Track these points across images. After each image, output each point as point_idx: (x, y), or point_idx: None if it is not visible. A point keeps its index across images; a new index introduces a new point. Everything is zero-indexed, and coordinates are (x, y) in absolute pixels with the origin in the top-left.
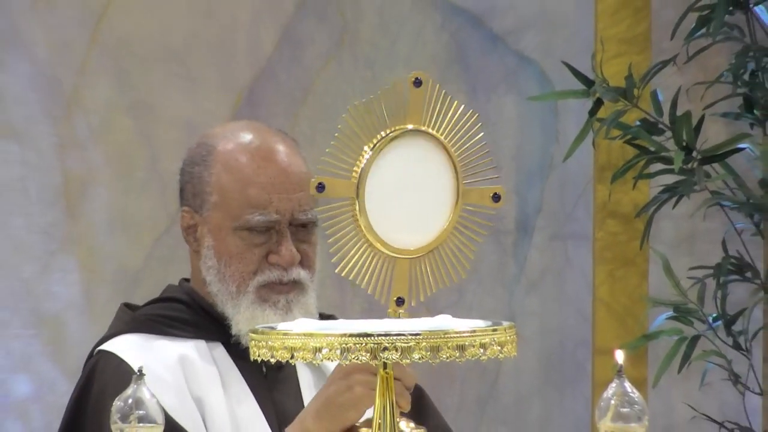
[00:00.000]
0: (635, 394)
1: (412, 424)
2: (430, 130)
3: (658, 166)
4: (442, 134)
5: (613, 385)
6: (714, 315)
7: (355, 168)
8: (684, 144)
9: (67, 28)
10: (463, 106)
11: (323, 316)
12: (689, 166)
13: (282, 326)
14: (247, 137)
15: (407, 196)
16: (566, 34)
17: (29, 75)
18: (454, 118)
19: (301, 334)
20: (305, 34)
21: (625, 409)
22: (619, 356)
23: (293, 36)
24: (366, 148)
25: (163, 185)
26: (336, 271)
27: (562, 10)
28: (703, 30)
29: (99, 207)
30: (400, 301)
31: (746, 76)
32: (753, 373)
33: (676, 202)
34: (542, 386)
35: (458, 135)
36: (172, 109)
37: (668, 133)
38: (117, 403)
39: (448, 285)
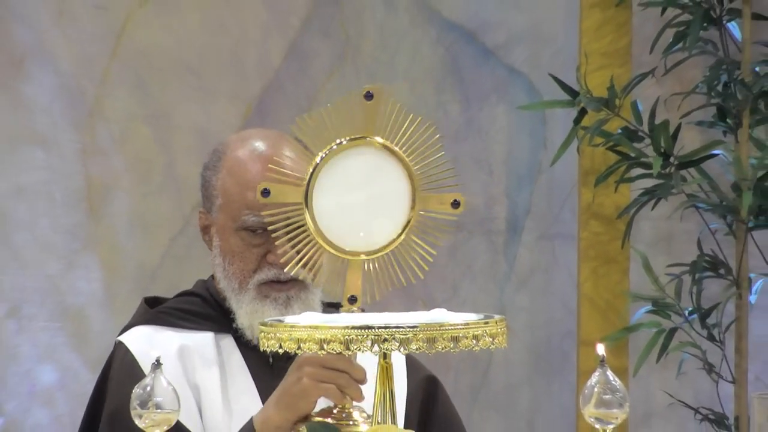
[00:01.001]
0: (617, 383)
1: (364, 414)
2: (380, 140)
3: (638, 171)
4: (396, 144)
5: (597, 374)
6: (690, 309)
7: (305, 175)
8: (662, 150)
9: (90, 42)
10: (420, 118)
11: (329, 305)
12: (667, 171)
13: (289, 319)
14: (254, 144)
15: (361, 201)
16: (553, 48)
17: (54, 86)
18: (410, 130)
19: (307, 327)
20: (311, 49)
21: (607, 396)
22: (601, 348)
23: (299, 50)
24: (318, 157)
25: (178, 189)
26: (285, 270)
27: (549, 26)
28: (680, 45)
29: (119, 209)
30: (352, 299)
31: (719, 88)
32: (726, 363)
33: (655, 205)
34: (531, 375)
35: (415, 145)
36: (187, 118)
37: (647, 141)
38: (136, 390)
39: (405, 285)
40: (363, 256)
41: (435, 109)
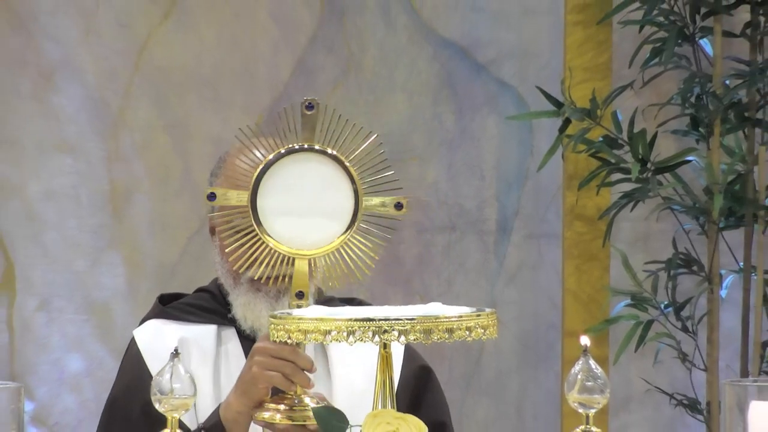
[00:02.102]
0: (598, 370)
1: (315, 399)
2: (318, 147)
3: (618, 176)
4: (338, 152)
5: (580, 362)
6: (665, 303)
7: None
8: (640, 157)
9: (114, 57)
10: (362, 127)
11: (344, 300)
12: (644, 176)
13: (297, 312)
14: (250, 152)
15: (305, 203)
16: (539, 63)
17: (81, 98)
18: (353, 137)
19: (313, 319)
20: (316, 64)
21: (590, 383)
22: (585, 338)
23: (306, 65)
24: (262, 164)
25: (195, 193)
26: (234, 267)
27: (536, 43)
28: (656, 60)
29: (140, 211)
30: (300, 295)
31: (693, 99)
32: (698, 352)
33: (633, 207)
34: (519, 364)
35: (356, 151)
36: (203, 127)
37: (626, 148)
38: (156, 378)
39: (352, 282)
40: (308, 255)
41: (431, 120)
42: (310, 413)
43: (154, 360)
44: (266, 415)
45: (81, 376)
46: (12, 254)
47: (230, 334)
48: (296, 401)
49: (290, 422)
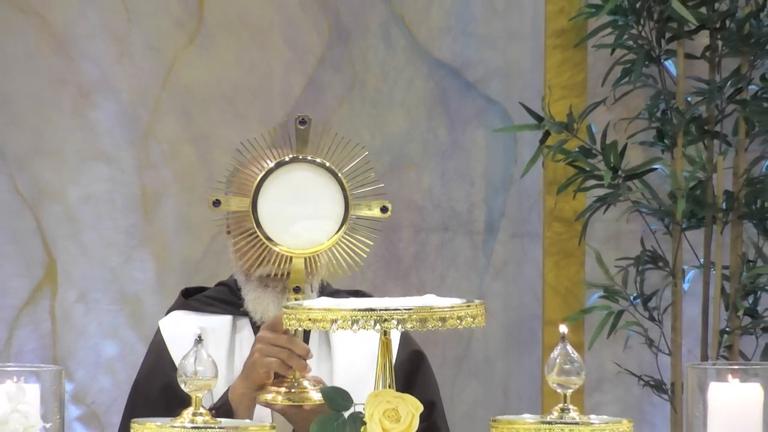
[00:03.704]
0: (575, 355)
1: (313, 382)
2: (310, 157)
3: (592, 182)
4: (328, 161)
5: (559, 348)
6: (634, 295)
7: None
8: (612, 165)
9: (144, 77)
10: (350, 140)
11: (349, 293)
12: (615, 182)
13: (307, 303)
14: (258, 163)
15: (299, 208)
16: (522, 82)
17: (116, 113)
18: (340, 149)
19: (321, 309)
20: (325, 82)
21: (567, 366)
22: (563, 327)
23: (316, 83)
24: (262, 173)
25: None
26: (244, 267)
27: (520, 64)
28: (626, 79)
29: (168, 213)
30: (296, 289)
31: (658, 114)
32: (664, 339)
33: (606, 209)
34: (505, 349)
35: (344, 161)
36: (224, 139)
37: (600, 157)
38: (182, 362)
39: (341, 277)
40: (303, 254)
41: (426, 132)
42: (309, 395)
43: (176, 347)
44: (268, 396)
45: (115, 360)
46: (54, 252)
47: (244, 323)
48: (295, 384)
49: (290, 403)
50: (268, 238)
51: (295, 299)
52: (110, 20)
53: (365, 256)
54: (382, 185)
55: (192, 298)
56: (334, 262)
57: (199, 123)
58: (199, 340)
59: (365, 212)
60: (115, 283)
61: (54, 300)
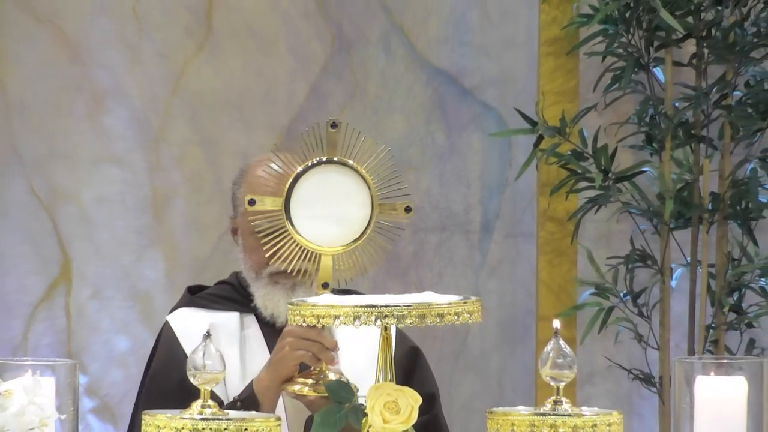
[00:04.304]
0: (567, 349)
1: (338, 375)
2: (341, 159)
3: (584, 184)
4: (357, 163)
5: (552, 342)
6: (624, 292)
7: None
8: (602, 168)
9: (155, 84)
10: (376, 143)
11: (342, 291)
12: (606, 183)
13: (311, 299)
14: (267, 164)
15: (329, 208)
16: (517, 88)
17: (128, 118)
18: (368, 151)
19: (325, 305)
20: (328, 89)
21: (560, 360)
22: (556, 322)
23: (319, 90)
24: (294, 173)
25: (224, 199)
26: (270, 262)
27: (514, 71)
28: (616, 85)
29: (178, 214)
30: (325, 285)
31: (647, 119)
32: (652, 334)
33: (597, 210)
34: (500, 343)
35: (372, 163)
36: (231, 143)
37: (591, 160)
38: (191, 356)
39: (366, 274)
40: (332, 251)
41: (425, 136)
42: None
43: (188, 341)
44: (296, 387)
45: (127, 354)
46: (69, 251)
47: (251, 320)
48: (321, 376)
49: (317, 394)
50: (300, 236)
51: (323, 294)
52: (122, 29)
53: (387, 254)
54: (407, 186)
55: (197, 296)
56: (359, 259)
57: (207, 127)
58: (207, 335)
59: (390, 212)
60: (127, 281)
61: (69, 297)
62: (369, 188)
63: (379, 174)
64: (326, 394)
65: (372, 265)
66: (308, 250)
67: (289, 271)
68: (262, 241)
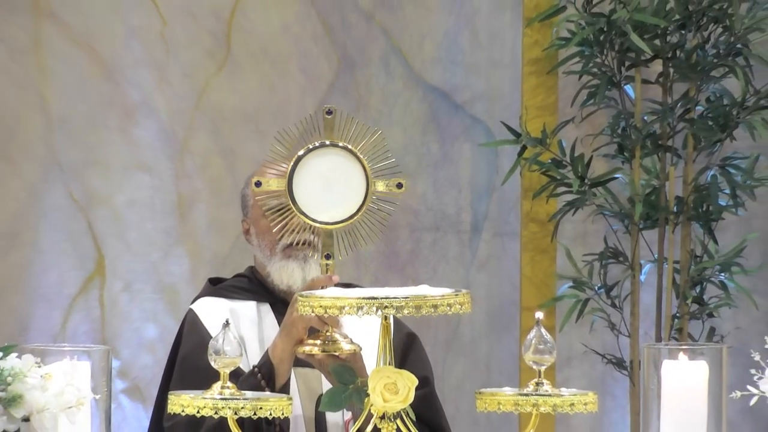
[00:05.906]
0: (548, 337)
1: (346, 337)
2: (338, 142)
3: (563, 189)
4: (351, 145)
5: (534, 330)
6: (599, 285)
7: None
8: (579, 174)
9: (180, 99)
10: (369, 127)
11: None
12: (582, 189)
13: (318, 292)
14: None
15: (328, 186)
16: (503, 103)
17: (156, 130)
18: (362, 134)
19: (331, 297)
20: (334, 104)
21: (541, 346)
22: (538, 313)
23: (326, 105)
24: (296, 156)
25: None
26: (278, 238)
27: (501, 88)
28: (592, 100)
29: (201, 216)
30: (327, 256)
31: (619, 131)
32: (624, 323)
33: (574, 212)
34: (488, 331)
35: (366, 145)
36: (248, 153)
37: (569, 168)
38: (212, 342)
39: (364, 248)
40: (332, 226)
41: (420, 146)
42: (341, 345)
43: (213, 327)
44: (306, 348)
45: (155, 341)
46: (103, 249)
47: (266, 308)
48: (329, 337)
49: (325, 353)
50: (303, 213)
51: (326, 265)
52: (151, 51)
53: (381, 231)
54: (397, 164)
55: (218, 286)
56: (357, 233)
57: (227, 138)
58: (226, 323)
59: (383, 188)
60: (154, 275)
61: (103, 290)
62: (363, 167)
63: (372, 154)
64: (333, 353)
65: (369, 237)
66: (306, 224)
67: (295, 243)
68: (270, 218)
